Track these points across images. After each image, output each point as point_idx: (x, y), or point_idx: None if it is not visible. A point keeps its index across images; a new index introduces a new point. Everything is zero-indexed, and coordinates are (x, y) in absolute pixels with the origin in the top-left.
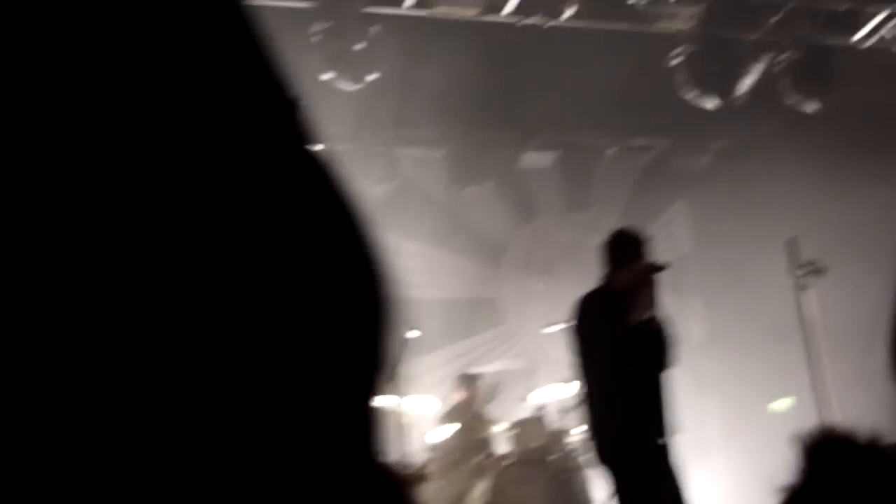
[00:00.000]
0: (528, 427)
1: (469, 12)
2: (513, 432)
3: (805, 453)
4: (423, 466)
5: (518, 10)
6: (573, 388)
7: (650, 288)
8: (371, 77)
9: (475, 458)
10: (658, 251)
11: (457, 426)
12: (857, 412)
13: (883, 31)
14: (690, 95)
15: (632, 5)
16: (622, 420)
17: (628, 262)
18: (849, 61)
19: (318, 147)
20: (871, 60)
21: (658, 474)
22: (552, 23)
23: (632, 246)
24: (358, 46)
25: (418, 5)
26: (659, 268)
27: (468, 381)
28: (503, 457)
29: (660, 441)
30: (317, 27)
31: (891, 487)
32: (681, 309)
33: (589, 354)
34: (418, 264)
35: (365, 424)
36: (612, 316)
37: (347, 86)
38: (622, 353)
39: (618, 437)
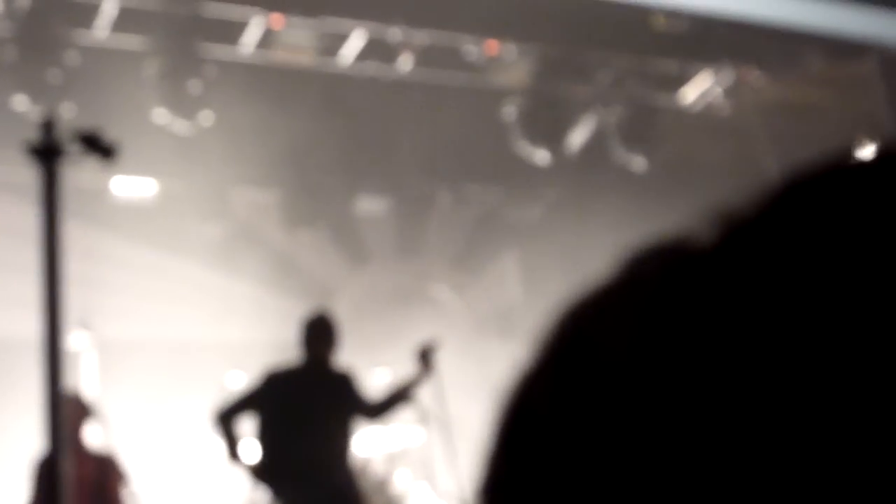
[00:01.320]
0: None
1: (305, 59)
2: None
3: None
4: None
5: (356, 59)
6: (405, 437)
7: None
8: (204, 118)
9: None
10: (488, 299)
11: None
12: None
13: (708, 94)
14: (522, 148)
15: (466, 58)
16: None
17: (331, 342)
18: (676, 121)
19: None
20: (697, 121)
21: None
22: (387, 74)
23: (333, 328)
24: (192, 87)
25: (257, 47)
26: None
27: None
28: None
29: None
30: (151, 67)
31: None
32: (513, 356)
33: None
34: (248, 307)
35: None
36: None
37: (181, 126)
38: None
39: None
